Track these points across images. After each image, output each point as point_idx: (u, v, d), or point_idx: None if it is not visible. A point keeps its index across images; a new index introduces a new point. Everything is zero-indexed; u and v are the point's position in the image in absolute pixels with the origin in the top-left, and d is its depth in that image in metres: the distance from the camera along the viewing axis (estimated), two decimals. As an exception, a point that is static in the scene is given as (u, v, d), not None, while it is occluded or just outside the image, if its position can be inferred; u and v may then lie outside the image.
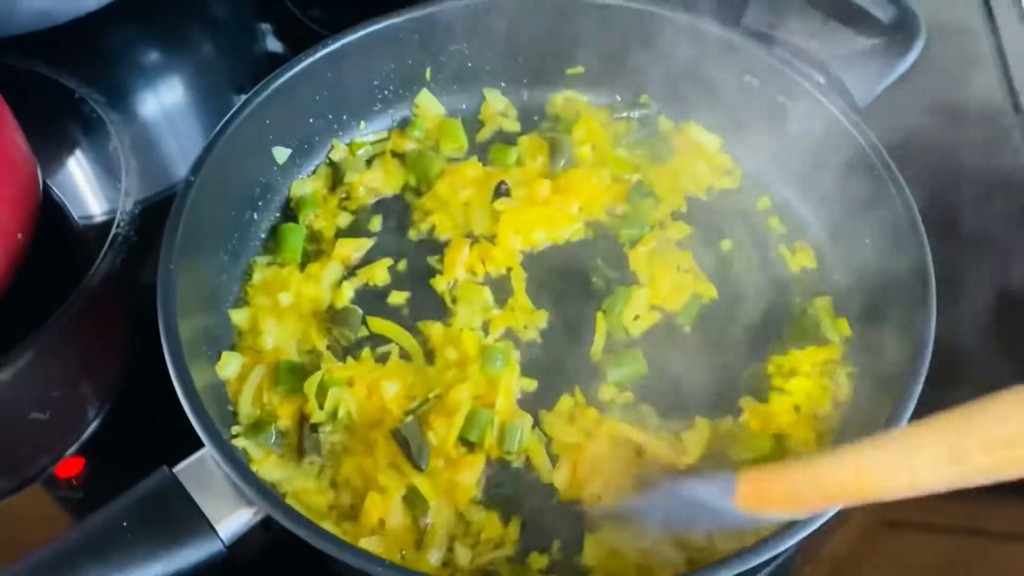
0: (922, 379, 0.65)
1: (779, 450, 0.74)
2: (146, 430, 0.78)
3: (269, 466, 0.72)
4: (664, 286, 0.84)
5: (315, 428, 0.74)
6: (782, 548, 0.58)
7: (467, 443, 0.74)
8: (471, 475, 0.72)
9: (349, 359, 0.79)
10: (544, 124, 0.97)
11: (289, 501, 0.70)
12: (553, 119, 0.97)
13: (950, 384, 0.66)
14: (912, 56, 0.88)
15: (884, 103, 0.88)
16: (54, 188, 0.96)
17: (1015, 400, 0.43)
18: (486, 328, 0.82)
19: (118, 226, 0.91)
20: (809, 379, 0.77)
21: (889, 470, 0.47)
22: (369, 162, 0.94)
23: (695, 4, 0.89)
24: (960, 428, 0.45)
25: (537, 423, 0.76)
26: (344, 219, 0.90)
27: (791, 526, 0.59)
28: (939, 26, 0.95)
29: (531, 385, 0.79)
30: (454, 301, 0.84)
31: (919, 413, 0.64)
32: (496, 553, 0.70)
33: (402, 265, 0.87)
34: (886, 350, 0.74)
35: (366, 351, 0.80)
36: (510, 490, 0.73)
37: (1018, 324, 0.84)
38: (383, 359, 0.80)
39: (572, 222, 0.89)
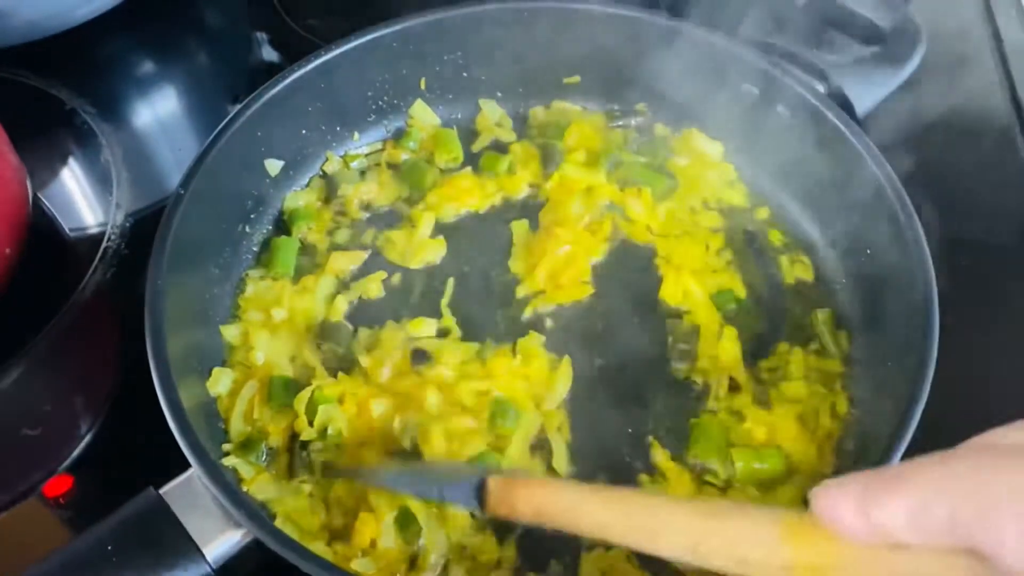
0: (924, 398, 0.64)
1: (786, 468, 0.73)
2: (137, 447, 0.77)
3: (260, 485, 0.71)
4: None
5: (305, 446, 0.72)
6: None
7: (461, 462, 0.72)
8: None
9: (340, 375, 0.77)
10: (534, 131, 0.95)
11: (280, 521, 0.69)
12: (544, 126, 0.95)
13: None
14: (912, 64, 0.87)
15: (885, 111, 0.87)
16: (44, 201, 0.95)
17: (755, 522, 0.44)
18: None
19: (109, 239, 0.90)
20: (804, 384, 0.76)
21: (637, 532, 0.49)
22: (363, 174, 0.93)
23: (693, 13, 0.88)
24: (706, 527, 0.46)
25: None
26: (338, 232, 0.89)
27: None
28: (939, 32, 0.94)
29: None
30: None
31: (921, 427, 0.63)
32: (493, 574, 0.68)
33: (396, 278, 0.86)
34: (887, 365, 0.73)
35: (358, 367, 0.78)
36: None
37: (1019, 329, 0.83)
38: (375, 375, 0.78)
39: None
